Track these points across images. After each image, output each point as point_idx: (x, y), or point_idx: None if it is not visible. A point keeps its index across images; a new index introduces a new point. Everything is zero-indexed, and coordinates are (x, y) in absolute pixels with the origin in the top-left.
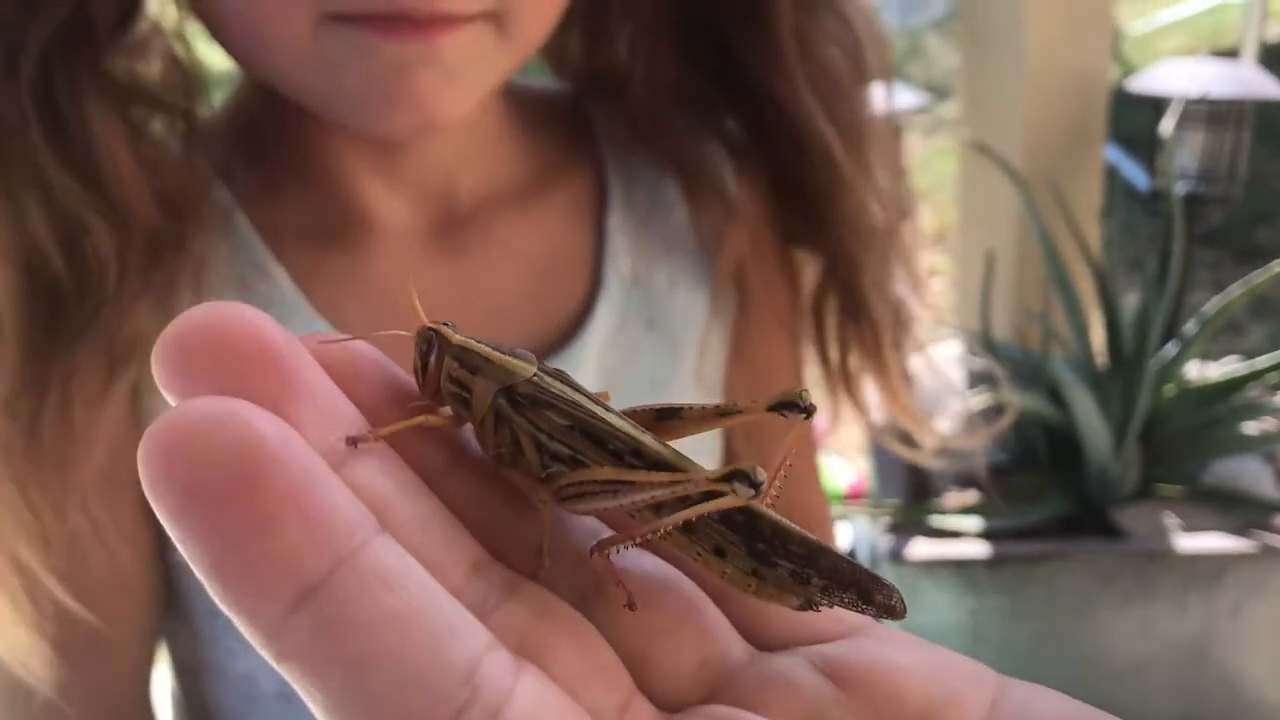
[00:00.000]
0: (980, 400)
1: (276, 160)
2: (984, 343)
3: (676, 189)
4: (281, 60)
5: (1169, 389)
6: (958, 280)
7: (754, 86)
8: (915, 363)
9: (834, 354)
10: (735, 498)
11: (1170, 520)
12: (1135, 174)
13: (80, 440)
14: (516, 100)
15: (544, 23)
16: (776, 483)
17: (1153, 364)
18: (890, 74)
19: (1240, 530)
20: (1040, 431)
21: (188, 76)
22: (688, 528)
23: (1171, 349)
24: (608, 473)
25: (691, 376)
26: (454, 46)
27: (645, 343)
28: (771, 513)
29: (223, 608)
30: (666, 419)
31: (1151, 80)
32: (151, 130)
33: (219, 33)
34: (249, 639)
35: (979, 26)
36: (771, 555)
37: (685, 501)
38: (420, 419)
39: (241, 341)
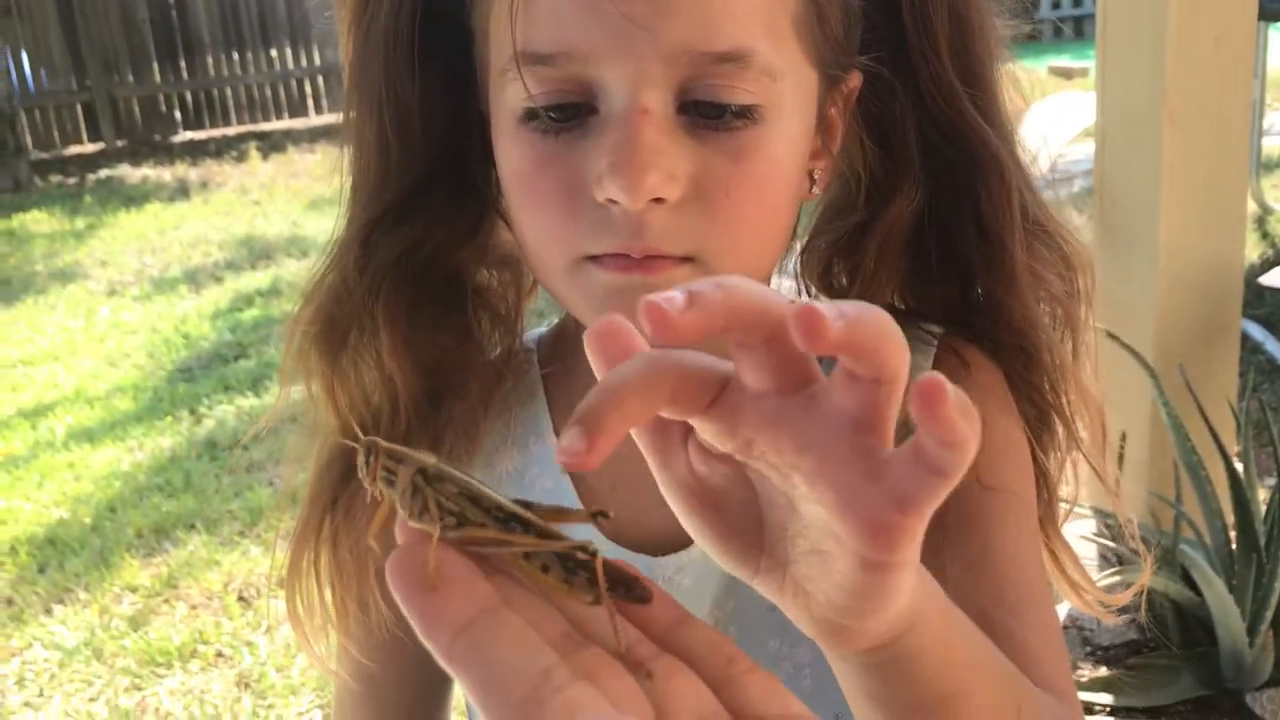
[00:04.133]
0: (1111, 579)
1: (577, 355)
2: (1116, 523)
3: None
4: (554, 282)
5: None
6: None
7: (985, 302)
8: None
9: None
10: (582, 552)
11: None
12: (1278, 352)
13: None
14: None
15: (745, 264)
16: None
17: None
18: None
19: None
20: (1173, 612)
21: (519, 289)
22: (527, 556)
23: None
24: (490, 533)
25: None
26: (665, 279)
27: None
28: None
29: (422, 640)
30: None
31: None
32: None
33: (522, 253)
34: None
35: (1112, 214)
36: (576, 570)
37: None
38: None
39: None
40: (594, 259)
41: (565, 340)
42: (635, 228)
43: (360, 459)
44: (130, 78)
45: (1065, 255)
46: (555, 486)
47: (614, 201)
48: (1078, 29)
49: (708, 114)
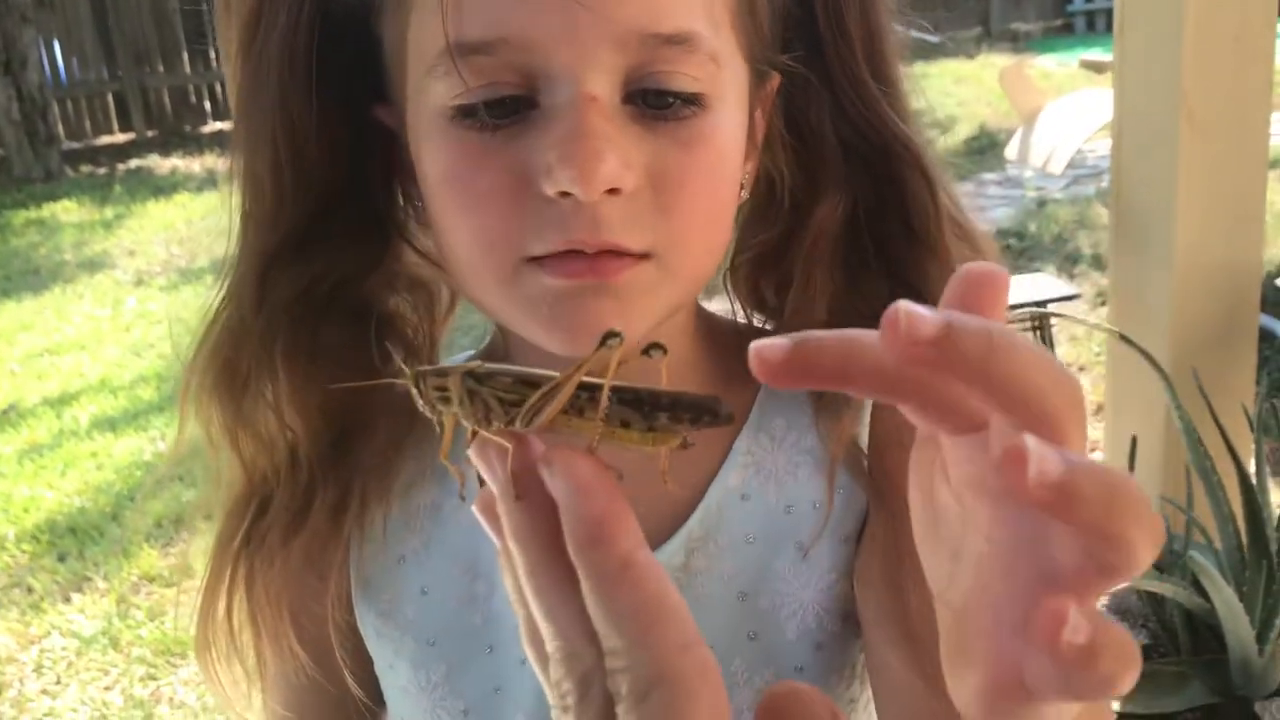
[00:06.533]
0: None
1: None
2: None
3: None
4: (489, 295)
5: None
6: (1105, 459)
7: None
8: None
9: None
10: (606, 353)
11: None
12: None
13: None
14: (708, 329)
15: (699, 260)
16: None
17: None
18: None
19: None
20: (1182, 619)
21: (432, 311)
22: (605, 419)
23: None
24: (539, 397)
25: (793, 587)
26: (621, 280)
27: (741, 553)
28: (636, 386)
29: (591, 556)
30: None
31: None
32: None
33: (449, 268)
34: (600, 581)
35: (1128, 215)
36: (654, 413)
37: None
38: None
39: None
40: (538, 261)
41: (494, 361)
42: (591, 221)
43: (413, 391)
44: (161, 68)
45: (983, 255)
46: (472, 522)
47: (566, 195)
48: (1110, 23)
49: (654, 104)
